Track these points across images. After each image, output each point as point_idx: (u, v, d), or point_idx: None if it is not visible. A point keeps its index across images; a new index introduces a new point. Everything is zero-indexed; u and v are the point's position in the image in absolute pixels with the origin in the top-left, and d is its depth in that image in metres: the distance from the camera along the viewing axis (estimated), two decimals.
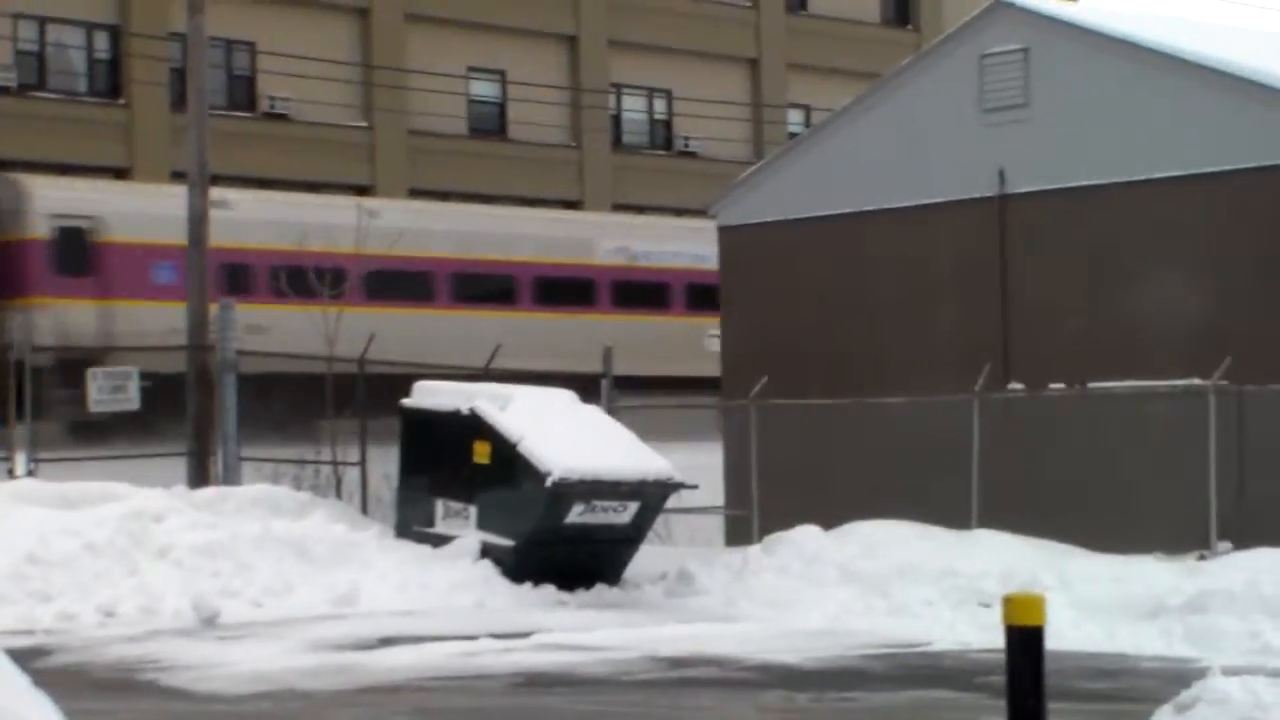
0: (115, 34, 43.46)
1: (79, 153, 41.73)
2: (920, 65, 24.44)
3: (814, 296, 24.62)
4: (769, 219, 25.20)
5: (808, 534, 19.37)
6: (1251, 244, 21.49)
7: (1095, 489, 20.60)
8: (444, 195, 45.33)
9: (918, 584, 17.93)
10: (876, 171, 24.27)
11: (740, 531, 23.05)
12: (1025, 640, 7.82)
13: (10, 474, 20.79)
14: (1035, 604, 7.91)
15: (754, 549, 19.72)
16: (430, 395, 20.37)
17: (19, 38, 42.24)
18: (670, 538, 24.12)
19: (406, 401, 20.45)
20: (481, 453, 19.37)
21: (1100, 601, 16.90)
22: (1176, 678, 13.60)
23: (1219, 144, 21.52)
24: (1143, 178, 21.99)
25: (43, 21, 42.69)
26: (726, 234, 25.92)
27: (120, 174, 42.23)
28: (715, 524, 24.60)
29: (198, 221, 22.88)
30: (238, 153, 42.45)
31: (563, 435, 19.31)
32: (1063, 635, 16.16)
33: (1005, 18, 23.47)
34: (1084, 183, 22.48)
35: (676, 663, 14.84)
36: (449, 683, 13.61)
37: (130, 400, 21.62)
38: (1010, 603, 7.89)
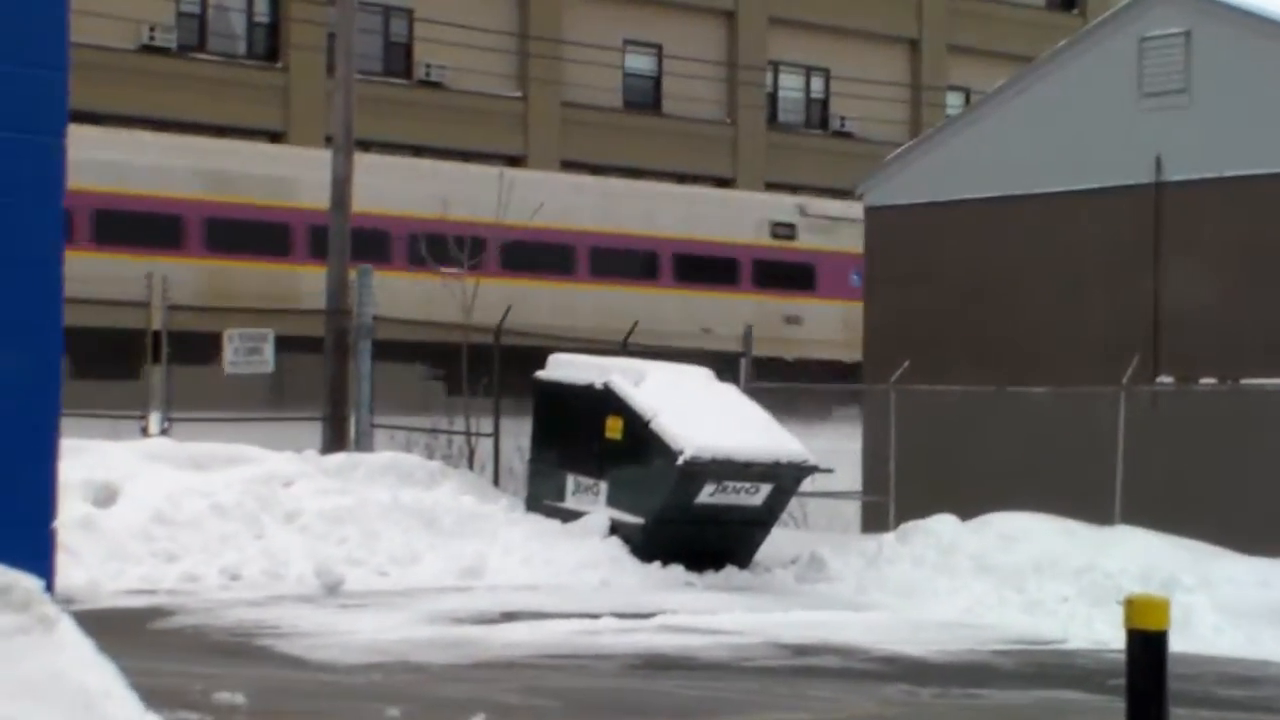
0: None
1: (236, 115, 42.03)
2: (1078, 48, 23.82)
3: (960, 281, 24.13)
4: (917, 200, 24.74)
5: (944, 523, 18.96)
6: None
7: (1244, 488, 19.98)
8: (595, 169, 45.19)
9: (1055, 579, 17.47)
10: (1029, 155, 23.72)
11: (877, 518, 22.66)
12: (1148, 645, 7.39)
13: (144, 432, 20.87)
14: (1159, 607, 7.46)
15: (888, 536, 19.34)
16: (565, 368, 20.17)
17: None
18: (806, 522, 23.79)
19: (541, 374, 20.28)
20: (614, 428, 19.14)
21: (1244, 605, 16.35)
22: None
23: None
24: None
25: None
26: (873, 214, 25.47)
27: (275, 137, 42.48)
28: (853, 510, 24.23)
29: (341, 184, 22.81)
30: (392, 120, 42.59)
31: (696, 414, 19.04)
32: (1203, 639, 15.71)
33: (1167, 0, 22.81)
34: (1244, 172, 21.79)
35: (800, 650, 14.51)
36: (565, 661, 13.38)
37: (265, 362, 21.60)
38: (1133, 604, 7.45)
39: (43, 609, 5.86)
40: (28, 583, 5.92)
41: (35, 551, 6.30)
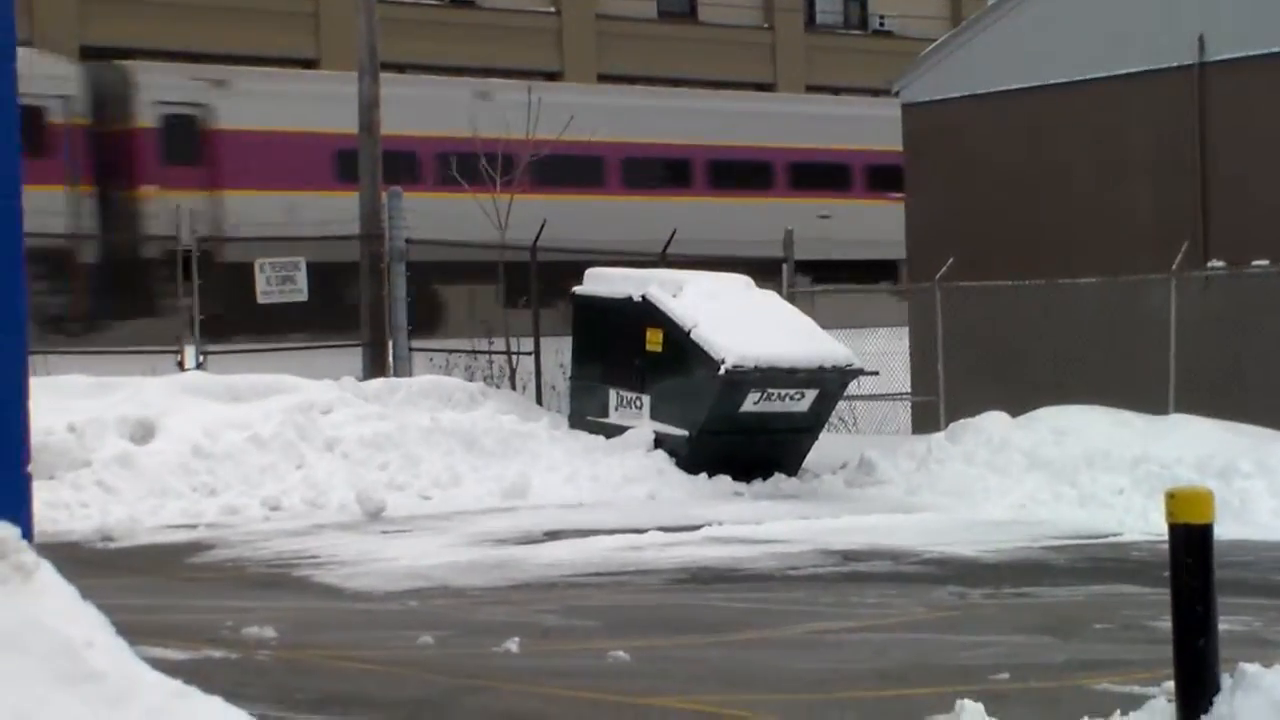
0: None
1: (271, 44, 41.67)
2: None
3: (1002, 174, 23.65)
4: (955, 95, 24.24)
5: (994, 420, 18.59)
6: None
7: None
8: (632, 80, 44.66)
9: (1108, 471, 17.10)
10: (1068, 43, 23.17)
11: (928, 418, 22.30)
12: (1191, 539, 7.00)
13: (180, 366, 20.69)
14: (1203, 499, 7.08)
15: (938, 436, 18.98)
16: (602, 282, 19.86)
17: None
18: (856, 426, 23.47)
19: (578, 289, 19.99)
20: (654, 340, 18.84)
21: None
22: None
23: None
24: None
25: None
26: (911, 112, 24.98)
27: (309, 64, 42.09)
28: (904, 412, 23.89)
29: (368, 108, 22.53)
30: (423, 41, 42.15)
31: (737, 322, 18.71)
32: (1262, 525, 15.41)
33: None
34: None
35: (849, 556, 14.24)
36: (607, 579, 13.13)
37: (299, 290, 21.39)
38: (1174, 498, 7.06)
39: (19, 557, 5.60)
40: (2, 531, 5.66)
41: (9, 498, 5.99)
